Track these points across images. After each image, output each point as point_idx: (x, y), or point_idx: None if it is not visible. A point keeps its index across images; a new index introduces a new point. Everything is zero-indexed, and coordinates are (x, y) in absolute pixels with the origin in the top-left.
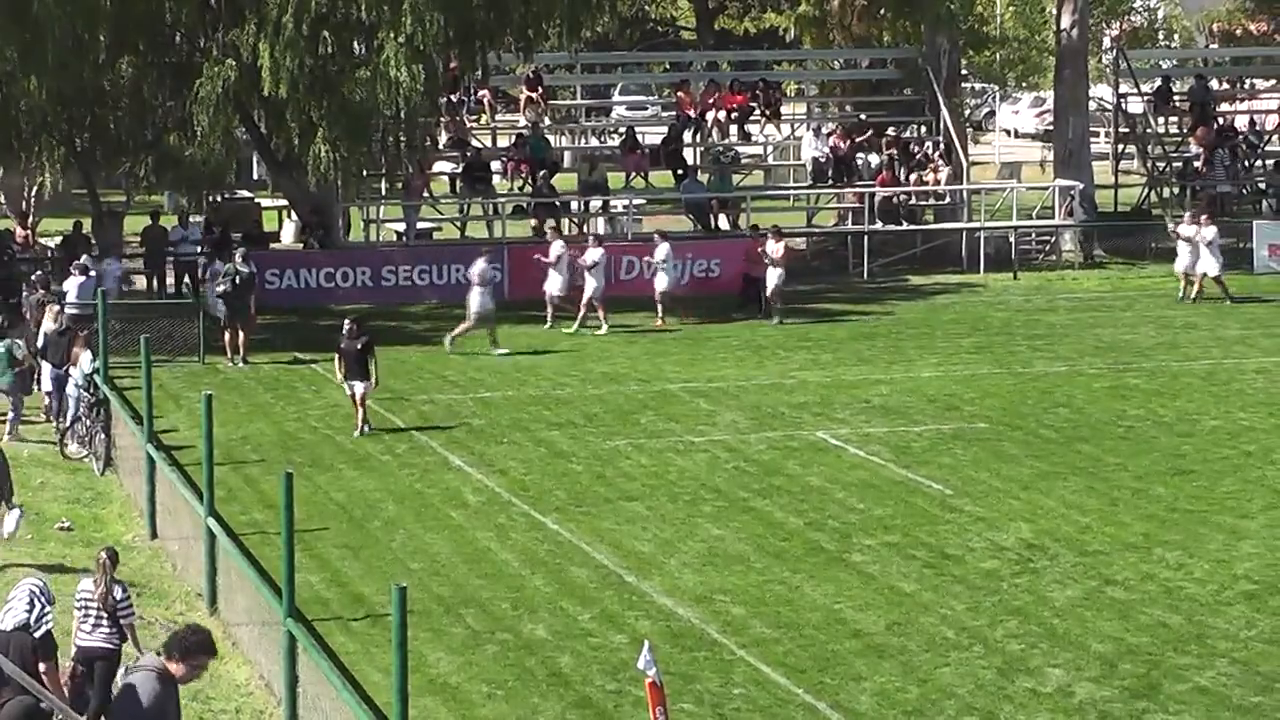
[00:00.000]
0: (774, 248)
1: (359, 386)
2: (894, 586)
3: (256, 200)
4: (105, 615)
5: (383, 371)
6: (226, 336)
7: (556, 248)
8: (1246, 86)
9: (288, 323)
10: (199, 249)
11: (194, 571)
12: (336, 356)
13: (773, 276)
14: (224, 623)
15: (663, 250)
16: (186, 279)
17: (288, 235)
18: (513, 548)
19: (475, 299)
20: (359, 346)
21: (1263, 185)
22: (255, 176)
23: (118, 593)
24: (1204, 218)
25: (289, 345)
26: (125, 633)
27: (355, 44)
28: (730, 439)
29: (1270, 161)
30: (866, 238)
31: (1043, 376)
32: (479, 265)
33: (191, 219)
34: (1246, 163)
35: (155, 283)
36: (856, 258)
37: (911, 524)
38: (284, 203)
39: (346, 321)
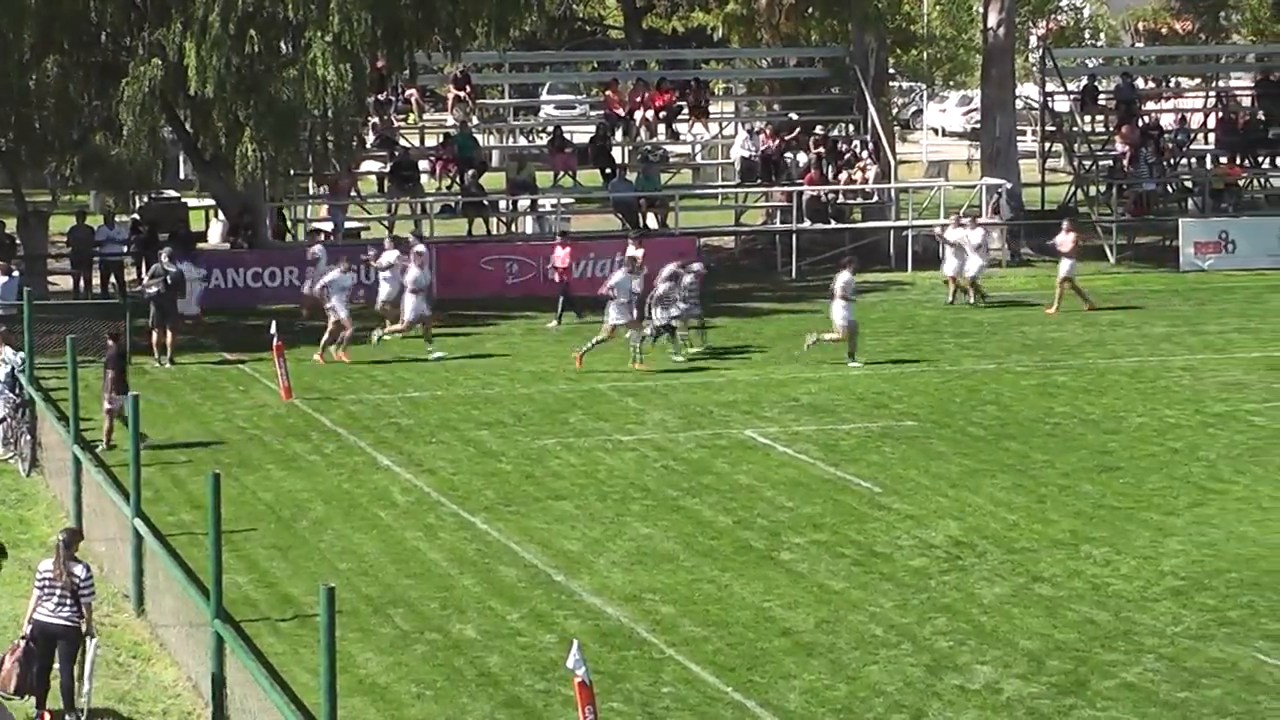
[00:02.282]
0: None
1: (117, 400)
2: (823, 584)
3: (183, 200)
4: (68, 594)
5: (310, 371)
6: (154, 337)
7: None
8: (1172, 85)
9: (215, 323)
10: (124, 249)
11: (121, 573)
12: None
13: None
14: (151, 624)
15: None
16: (113, 279)
17: (215, 235)
18: (441, 547)
19: (389, 299)
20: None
21: (1188, 183)
22: (182, 176)
23: (80, 571)
24: (969, 220)
25: (216, 346)
26: (85, 615)
27: (282, 43)
28: (659, 438)
29: (1195, 159)
30: (795, 236)
31: (970, 374)
32: (385, 256)
33: (117, 219)
34: (1172, 161)
35: (81, 283)
36: (785, 257)
37: (840, 522)
38: (211, 202)
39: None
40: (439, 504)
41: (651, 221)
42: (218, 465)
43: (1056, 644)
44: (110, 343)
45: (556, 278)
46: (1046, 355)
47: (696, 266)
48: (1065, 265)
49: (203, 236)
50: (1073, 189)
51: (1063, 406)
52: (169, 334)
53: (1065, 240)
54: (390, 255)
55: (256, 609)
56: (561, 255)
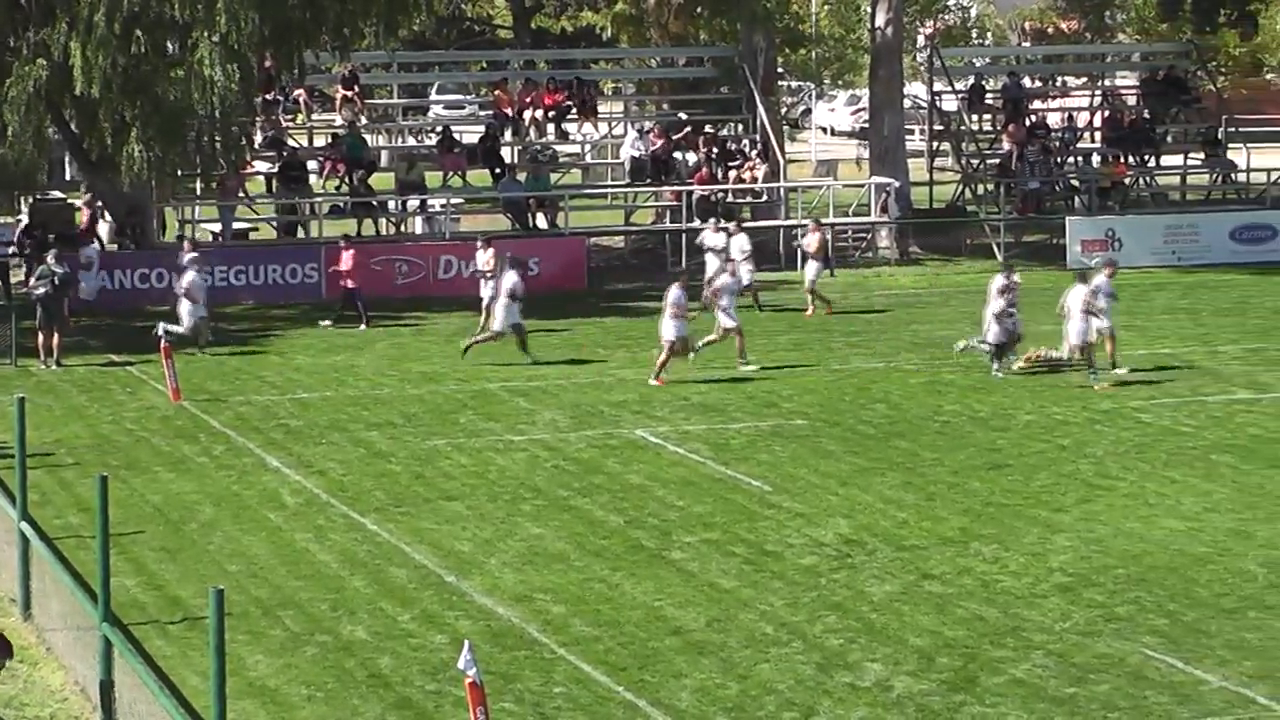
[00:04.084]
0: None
1: None
2: (714, 583)
3: (71, 201)
4: None
5: (199, 373)
6: (40, 338)
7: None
8: (1058, 84)
9: (102, 324)
10: (9, 249)
11: (6, 576)
12: None
13: (489, 288)
14: (38, 628)
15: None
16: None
17: (101, 234)
18: (331, 549)
19: (185, 309)
20: None
21: (1075, 182)
22: (68, 177)
23: None
24: (733, 225)
25: (104, 347)
26: None
27: (169, 43)
28: (549, 437)
29: (1082, 158)
30: (684, 235)
31: (860, 373)
32: (189, 277)
33: (1, 220)
34: (1059, 159)
35: None
36: (675, 256)
37: (731, 521)
38: (97, 202)
39: None
40: (329, 505)
41: (541, 221)
42: (105, 468)
43: (946, 641)
44: None
45: (342, 281)
46: (935, 353)
47: (1016, 278)
48: (811, 268)
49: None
50: (960, 188)
51: (951, 404)
52: (55, 335)
53: (811, 241)
54: (486, 255)
55: (145, 612)
56: (346, 259)
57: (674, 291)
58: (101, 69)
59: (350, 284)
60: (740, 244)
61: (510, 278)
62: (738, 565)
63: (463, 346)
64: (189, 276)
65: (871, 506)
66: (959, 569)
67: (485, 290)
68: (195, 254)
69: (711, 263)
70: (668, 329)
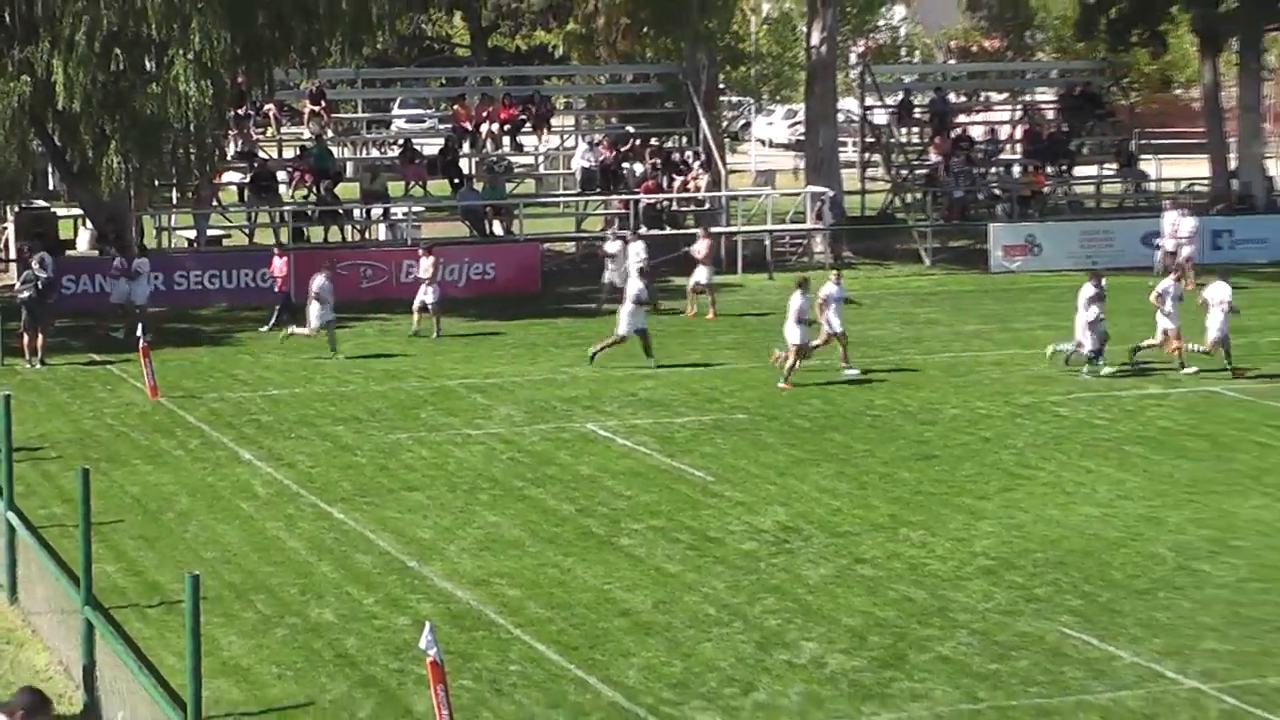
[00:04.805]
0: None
1: None
2: (660, 568)
3: (52, 209)
4: None
5: (175, 371)
6: (25, 339)
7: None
8: (982, 99)
9: (84, 326)
10: None
11: None
12: None
13: (430, 292)
14: (24, 612)
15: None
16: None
17: (83, 243)
18: (300, 536)
19: (314, 312)
20: None
21: (997, 191)
22: (50, 187)
23: None
24: (629, 234)
25: (85, 348)
26: None
27: (146, 60)
28: (506, 431)
29: (1004, 168)
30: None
31: (796, 370)
32: (318, 280)
33: None
34: (982, 170)
35: None
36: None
37: (675, 509)
38: (79, 211)
39: None
40: (298, 495)
41: (498, 229)
42: (87, 461)
43: (877, 621)
44: None
45: (275, 286)
46: (867, 351)
47: (1104, 284)
48: (701, 272)
49: (71, 244)
50: (890, 196)
51: (882, 399)
52: (40, 336)
53: (700, 247)
54: (427, 262)
55: (125, 596)
56: (279, 265)
57: (798, 299)
58: (82, 85)
59: (280, 289)
60: (637, 251)
61: (634, 285)
62: (682, 551)
63: (590, 353)
64: (319, 280)
65: (807, 495)
66: (889, 553)
67: (424, 294)
68: (144, 259)
69: (608, 269)
70: (793, 334)
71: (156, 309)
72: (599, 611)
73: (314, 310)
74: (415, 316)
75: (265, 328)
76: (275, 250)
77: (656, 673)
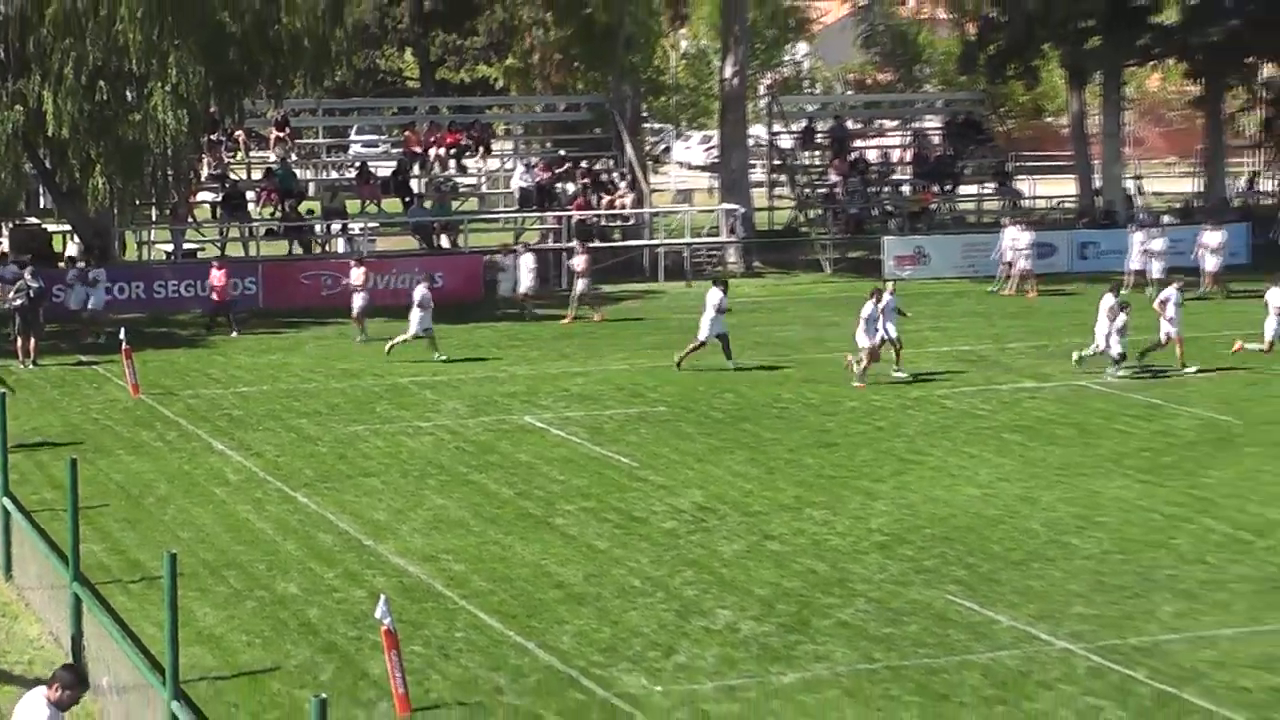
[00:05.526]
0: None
1: None
2: (590, 544)
3: (44, 225)
4: None
5: (155, 371)
6: (19, 343)
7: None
8: (876, 126)
9: (73, 330)
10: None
11: None
12: None
13: (358, 299)
14: (18, 587)
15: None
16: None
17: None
18: (268, 518)
19: (415, 318)
20: None
21: (889, 207)
22: (42, 205)
23: None
24: (522, 245)
25: (74, 350)
26: None
27: (128, 92)
28: (452, 423)
29: (895, 188)
30: (564, 253)
31: (712, 367)
32: (420, 290)
33: None
34: (876, 189)
35: None
36: (557, 270)
37: (604, 492)
38: (68, 227)
39: None
40: (265, 482)
41: (445, 242)
42: (75, 451)
43: (784, 591)
44: None
45: (214, 296)
46: (774, 350)
47: (1124, 295)
48: (581, 283)
49: (61, 256)
50: (795, 212)
51: (789, 393)
52: (32, 340)
53: (578, 261)
54: (358, 272)
55: (109, 573)
56: (218, 275)
57: (869, 306)
58: (70, 114)
59: (217, 298)
60: (527, 263)
61: (714, 295)
62: (610, 529)
63: (675, 360)
64: (421, 290)
65: (722, 479)
66: (795, 530)
67: (357, 301)
68: (100, 270)
69: (500, 280)
70: (863, 338)
71: (136, 315)
72: (536, 584)
73: (415, 316)
74: (357, 324)
75: (235, 333)
76: (214, 263)
77: (587, 638)
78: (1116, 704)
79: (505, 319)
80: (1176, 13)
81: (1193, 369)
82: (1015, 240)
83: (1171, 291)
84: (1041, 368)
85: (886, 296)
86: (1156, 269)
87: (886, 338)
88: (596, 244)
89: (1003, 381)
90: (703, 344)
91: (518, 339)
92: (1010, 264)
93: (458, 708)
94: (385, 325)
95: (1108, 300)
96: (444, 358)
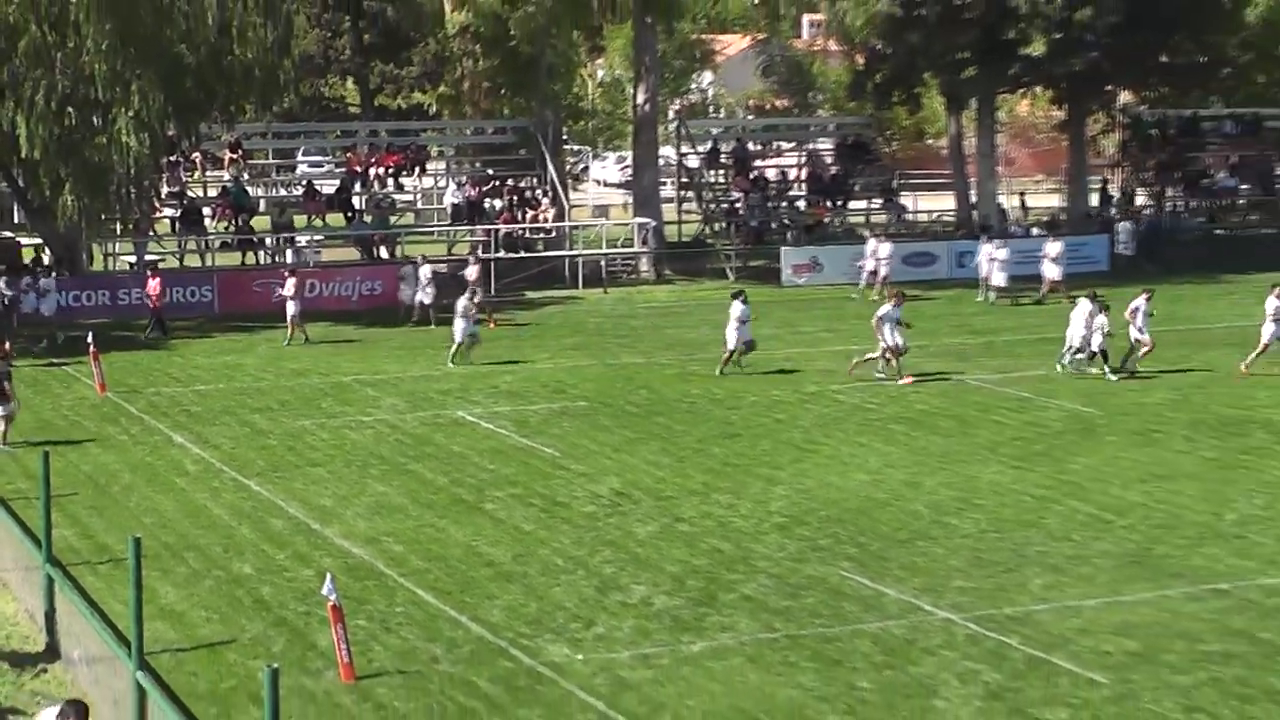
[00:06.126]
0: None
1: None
2: (517, 527)
3: (17, 239)
4: None
5: (120, 371)
6: None
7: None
8: (774, 147)
9: (43, 334)
10: None
11: None
12: None
13: (292, 306)
14: None
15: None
16: None
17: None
18: (224, 505)
19: (459, 328)
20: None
21: (786, 220)
22: (15, 220)
23: None
24: (421, 257)
25: (45, 351)
26: None
27: (94, 117)
28: (391, 418)
29: (792, 203)
30: (494, 263)
31: (627, 366)
32: (462, 301)
33: None
34: (775, 204)
35: None
36: (486, 279)
37: (530, 480)
38: (39, 241)
39: None
40: (221, 471)
41: (384, 253)
42: (47, 444)
43: (693, 568)
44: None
45: (150, 304)
46: (683, 350)
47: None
48: (464, 297)
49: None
50: (701, 225)
51: (696, 389)
52: (5, 343)
53: (471, 271)
54: (291, 281)
55: (79, 555)
56: (153, 285)
57: (887, 307)
58: (41, 137)
59: (154, 304)
60: (424, 274)
61: (737, 308)
62: (535, 513)
63: (717, 370)
64: (461, 303)
65: (637, 467)
66: (702, 514)
67: (290, 308)
68: (50, 280)
69: (402, 288)
70: (887, 337)
71: (103, 320)
72: (468, 563)
73: (458, 326)
74: (289, 329)
75: (144, 335)
76: (149, 272)
77: (515, 612)
78: (992, 668)
79: (441, 323)
80: (1043, 45)
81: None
82: (876, 250)
83: (1140, 301)
84: (923, 366)
85: (887, 306)
86: (999, 277)
87: (886, 345)
88: (521, 254)
89: (891, 376)
90: (733, 351)
91: (450, 340)
92: (874, 272)
93: (398, 675)
94: (326, 329)
95: (1084, 305)
96: (456, 366)
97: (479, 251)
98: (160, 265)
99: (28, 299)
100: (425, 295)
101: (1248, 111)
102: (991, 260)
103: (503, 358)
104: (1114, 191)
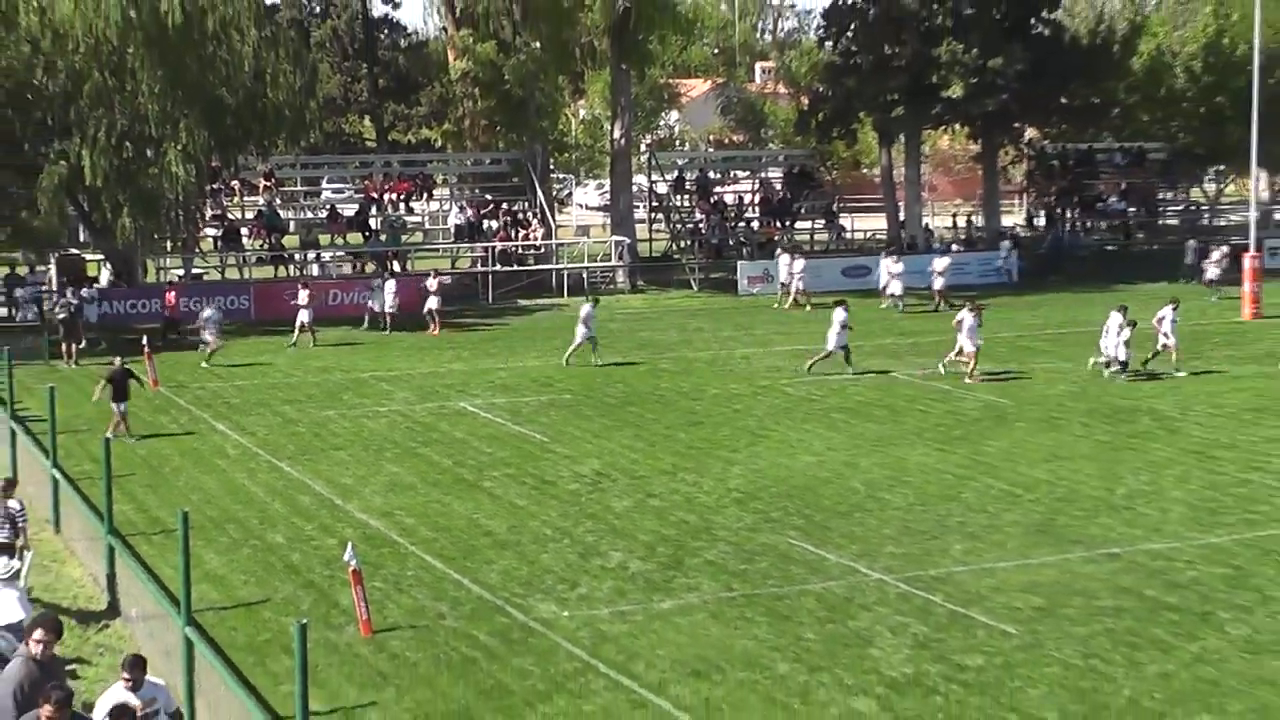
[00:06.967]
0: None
1: (122, 405)
2: (512, 502)
3: (82, 255)
4: (6, 522)
5: (170, 369)
6: (64, 347)
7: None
8: (731, 175)
9: (105, 336)
10: (43, 287)
11: (42, 505)
12: (103, 382)
13: (304, 314)
14: (65, 539)
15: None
16: (35, 308)
17: (104, 278)
18: (259, 484)
19: (580, 332)
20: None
21: (742, 239)
22: (81, 239)
23: (16, 505)
24: (385, 273)
25: (107, 351)
26: (20, 534)
27: (148, 150)
28: (403, 409)
29: (747, 224)
30: (490, 275)
31: (606, 364)
32: (585, 309)
33: (38, 268)
34: (732, 224)
35: (13, 310)
36: (484, 289)
37: (522, 461)
38: (101, 257)
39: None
40: (257, 455)
41: (396, 267)
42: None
43: (663, 537)
44: (115, 362)
45: (166, 312)
46: (654, 350)
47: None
48: (434, 300)
49: (95, 280)
50: (670, 243)
51: (665, 384)
52: (74, 345)
53: (431, 283)
54: (305, 293)
55: (135, 527)
56: (170, 296)
57: (968, 317)
58: (102, 168)
59: (169, 314)
60: (390, 288)
61: (839, 313)
62: (527, 490)
63: (806, 367)
64: (585, 308)
65: (614, 451)
66: (671, 490)
67: (302, 316)
68: (94, 290)
69: (371, 298)
70: (968, 343)
71: (155, 325)
72: (469, 533)
73: (580, 331)
74: (295, 333)
75: (163, 339)
76: (167, 286)
77: (511, 575)
78: (920, 621)
79: (445, 327)
80: (961, 89)
81: (1184, 373)
82: (790, 265)
83: (1167, 310)
84: (864, 363)
85: (966, 313)
86: (896, 287)
87: (968, 347)
88: (514, 268)
89: (831, 372)
90: (830, 353)
91: (454, 342)
92: (785, 284)
93: (409, 629)
94: (345, 333)
95: (1116, 318)
96: (565, 364)
97: (443, 270)
98: (178, 280)
99: (90, 308)
100: (389, 306)
101: (1134, 145)
102: (889, 273)
103: (499, 356)
104: (1026, 214)
